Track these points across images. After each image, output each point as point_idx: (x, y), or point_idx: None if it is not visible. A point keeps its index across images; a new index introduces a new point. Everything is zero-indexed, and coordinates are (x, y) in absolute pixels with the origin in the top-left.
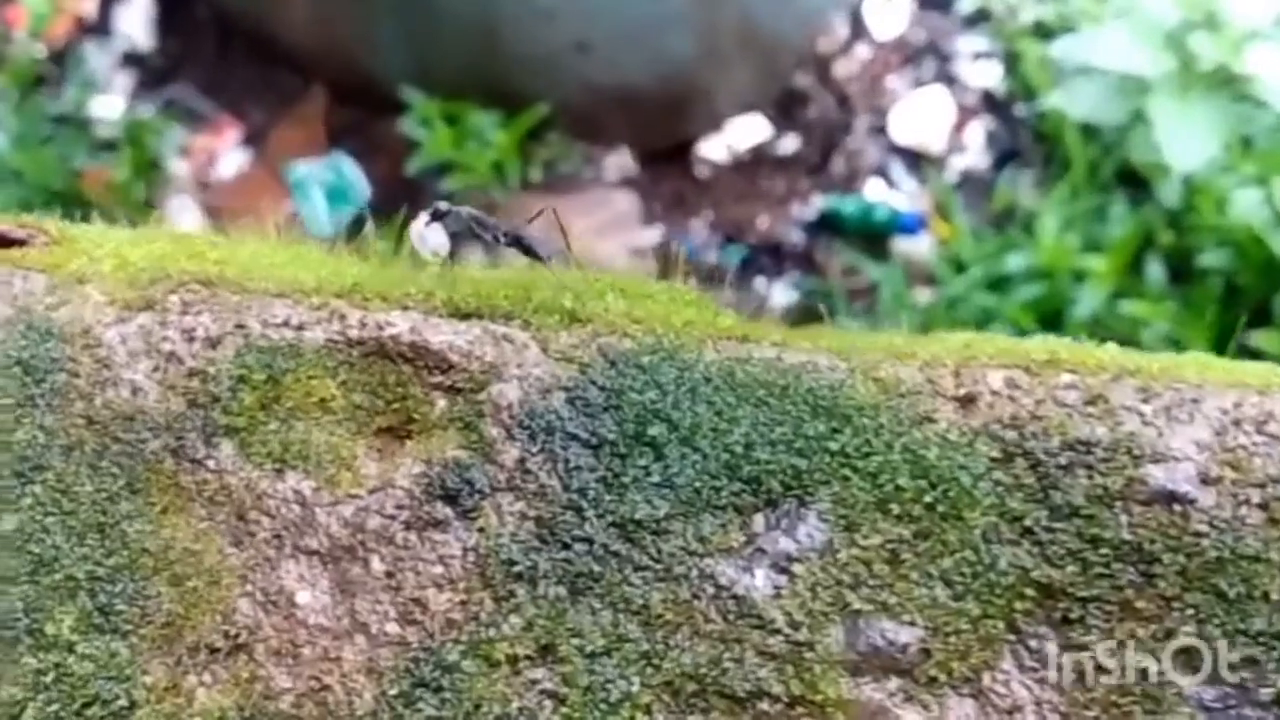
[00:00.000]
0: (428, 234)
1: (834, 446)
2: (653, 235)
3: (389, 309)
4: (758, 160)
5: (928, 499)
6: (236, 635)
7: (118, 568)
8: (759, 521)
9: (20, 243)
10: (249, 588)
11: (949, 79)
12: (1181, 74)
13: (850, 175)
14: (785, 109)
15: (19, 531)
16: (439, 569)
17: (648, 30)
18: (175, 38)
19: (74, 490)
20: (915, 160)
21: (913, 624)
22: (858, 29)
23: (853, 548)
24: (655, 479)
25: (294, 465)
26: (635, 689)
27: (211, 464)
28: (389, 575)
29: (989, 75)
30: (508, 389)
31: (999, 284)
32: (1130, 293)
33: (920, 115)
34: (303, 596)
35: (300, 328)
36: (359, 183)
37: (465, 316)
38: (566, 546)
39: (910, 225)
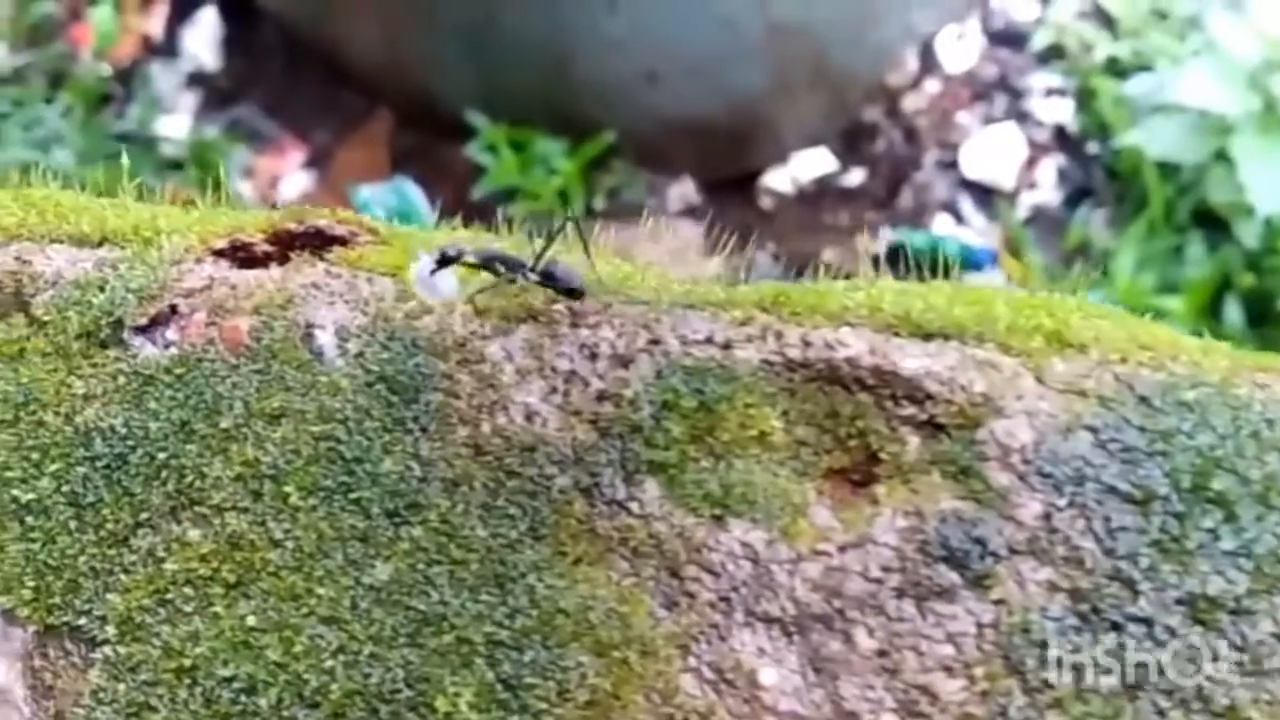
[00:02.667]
0: (436, 281)
1: None
2: (715, 266)
3: (833, 325)
4: (822, 192)
5: None
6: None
7: (525, 631)
8: None
9: (341, 240)
10: (693, 661)
11: (1021, 115)
12: (1264, 114)
13: (918, 210)
14: (852, 142)
15: (395, 583)
16: (947, 649)
17: (718, 62)
18: (241, 59)
19: (463, 534)
20: (985, 196)
21: None
22: (928, 63)
23: None
24: (1227, 545)
25: (738, 512)
26: None
27: (634, 507)
28: (881, 654)
29: (1061, 112)
30: (1016, 427)
31: None
32: (1208, 335)
33: (991, 151)
34: (767, 675)
35: (728, 346)
36: (422, 207)
37: (928, 337)
38: (1117, 628)
39: (981, 261)
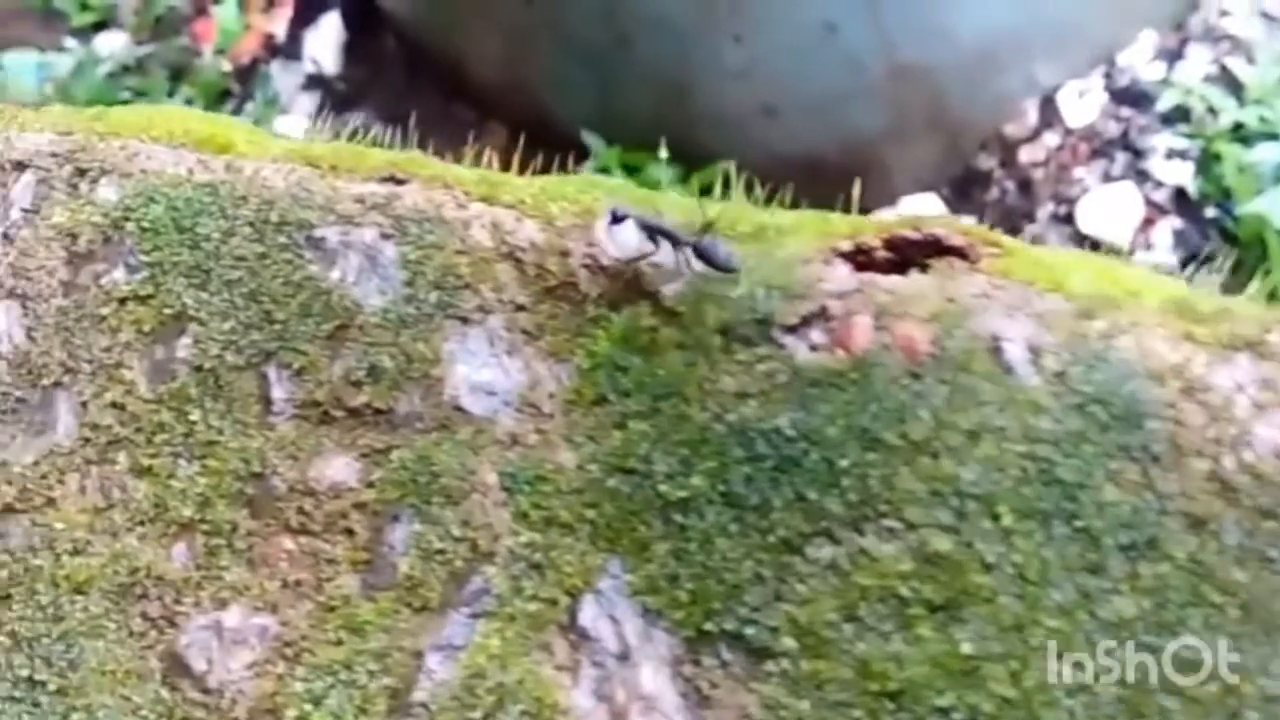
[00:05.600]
0: (618, 233)
1: None
2: None
3: None
4: None
5: None
6: None
7: None
8: None
9: (959, 251)
10: None
11: (1140, 174)
12: None
13: None
14: (963, 189)
15: (1140, 621)
16: None
17: (837, 100)
18: (361, 65)
19: (1217, 577)
20: (1098, 253)
21: None
22: (1048, 116)
23: None
24: None
25: None
26: None
27: None
28: None
29: (1182, 174)
30: None
31: None
32: None
33: (1108, 208)
34: None
35: None
36: None
37: None
38: None
39: None
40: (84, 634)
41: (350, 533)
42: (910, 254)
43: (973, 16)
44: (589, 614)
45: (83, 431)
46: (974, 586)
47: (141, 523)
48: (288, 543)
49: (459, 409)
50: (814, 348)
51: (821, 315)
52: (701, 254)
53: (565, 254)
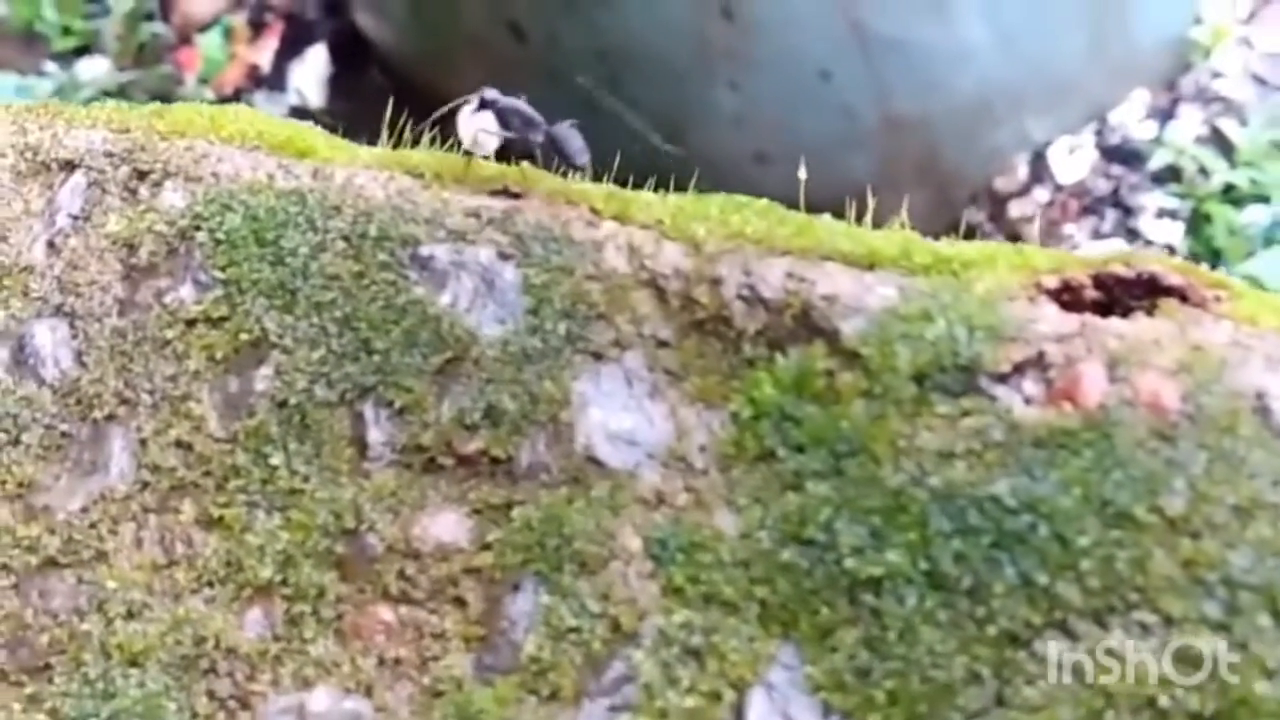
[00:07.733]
0: (474, 121)
1: None
2: None
3: None
4: None
5: None
6: None
7: None
8: None
9: (1177, 292)
10: None
11: (1130, 233)
12: None
13: None
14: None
15: None
16: None
17: (829, 149)
18: (346, 99)
19: None
20: None
21: None
22: (1038, 172)
23: None
24: None
25: None
26: None
27: None
28: None
29: (1171, 234)
30: None
31: None
32: None
33: None
34: None
35: None
36: None
37: None
38: None
39: None
40: (139, 714)
41: (461, 603)
42: (1120, 294)
43: (968, 69)
44: (759, 711)
45: (141, 474)
46: (1253, 698)
47: (209, 584)
48: (385, 613)
49: (593, 460)
50: (1029, 400)
51: (1038, 362)
52: (553, 140)
53: (716, 282)
